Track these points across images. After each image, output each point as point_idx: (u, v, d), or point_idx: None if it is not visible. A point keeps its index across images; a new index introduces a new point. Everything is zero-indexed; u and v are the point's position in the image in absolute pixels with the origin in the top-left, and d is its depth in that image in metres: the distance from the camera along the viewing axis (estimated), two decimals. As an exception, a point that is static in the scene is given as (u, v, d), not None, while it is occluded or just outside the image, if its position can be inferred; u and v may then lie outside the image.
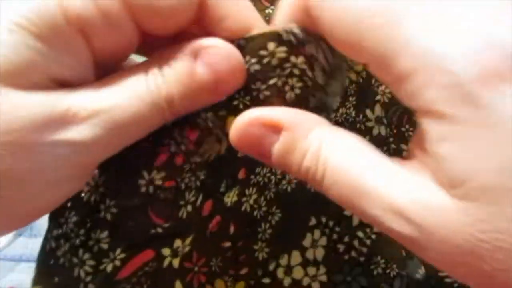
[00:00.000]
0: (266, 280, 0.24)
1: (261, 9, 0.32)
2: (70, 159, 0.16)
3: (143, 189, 0.18)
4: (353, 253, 0.26)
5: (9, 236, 0.38)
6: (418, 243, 0.15)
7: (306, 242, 0.26)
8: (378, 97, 0.29)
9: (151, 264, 0.19)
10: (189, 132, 0.19)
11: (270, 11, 0.32)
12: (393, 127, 0.30)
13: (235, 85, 0.18)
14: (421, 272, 0.25)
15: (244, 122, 0.18)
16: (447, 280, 0.25)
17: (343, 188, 0.16)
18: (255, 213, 0.24)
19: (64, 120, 0.16)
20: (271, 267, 0.25)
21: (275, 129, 0.17)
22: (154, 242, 0.19)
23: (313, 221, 0.26)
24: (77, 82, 0.17)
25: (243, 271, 0.24)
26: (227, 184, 0.21)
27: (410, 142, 0.17)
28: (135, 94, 0.16)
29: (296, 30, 0.18)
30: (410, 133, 0.29)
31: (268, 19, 0.32)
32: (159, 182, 0.19)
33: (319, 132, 0.17)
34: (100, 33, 0.16)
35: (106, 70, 0.18)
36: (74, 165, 0.17)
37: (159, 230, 0.19)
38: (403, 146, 0.30)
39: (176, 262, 0.20)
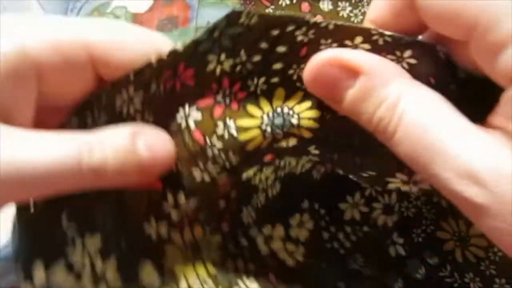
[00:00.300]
0: (244, 243, 0.24)
1: (261, 9, 0.32)
2: None
3: (179, 120, 0.18)
4: (335, 244, 0.26)
5: (9, 236, 0.38)
6: (487, 212, 0.14)
7: (293, 221, 0.26)
8: None
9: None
10: (238, 89, 0.18)
11: (271, 11, 0.32)
12: None
13: (163, 170, 0.18)
14: (421, 272, 0.25)
15: (322, 60, 0.17)
16: (447, 280, 0.25)
17: (415, 145, 0.15)
18: (260, 186, 0.24)
19: None
20: (252, 233, 0.25)
21: (354, 73, 0.17)
22: None
23: (305, 204, 0.26)
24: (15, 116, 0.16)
25: (224, 226, 0.23)
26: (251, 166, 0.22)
27: (493, 112, 0.16)
28: (58, 155, 0.15)
29: (387, 34, 0.17)
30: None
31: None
32: (192, 126, 0.19)
33: (400, 83, 0.16)
34: (57, 79, 0.16)
35: (52, 110, 0.18)
36: None
37: None
38: None
39: (175, 215, 0.20)
